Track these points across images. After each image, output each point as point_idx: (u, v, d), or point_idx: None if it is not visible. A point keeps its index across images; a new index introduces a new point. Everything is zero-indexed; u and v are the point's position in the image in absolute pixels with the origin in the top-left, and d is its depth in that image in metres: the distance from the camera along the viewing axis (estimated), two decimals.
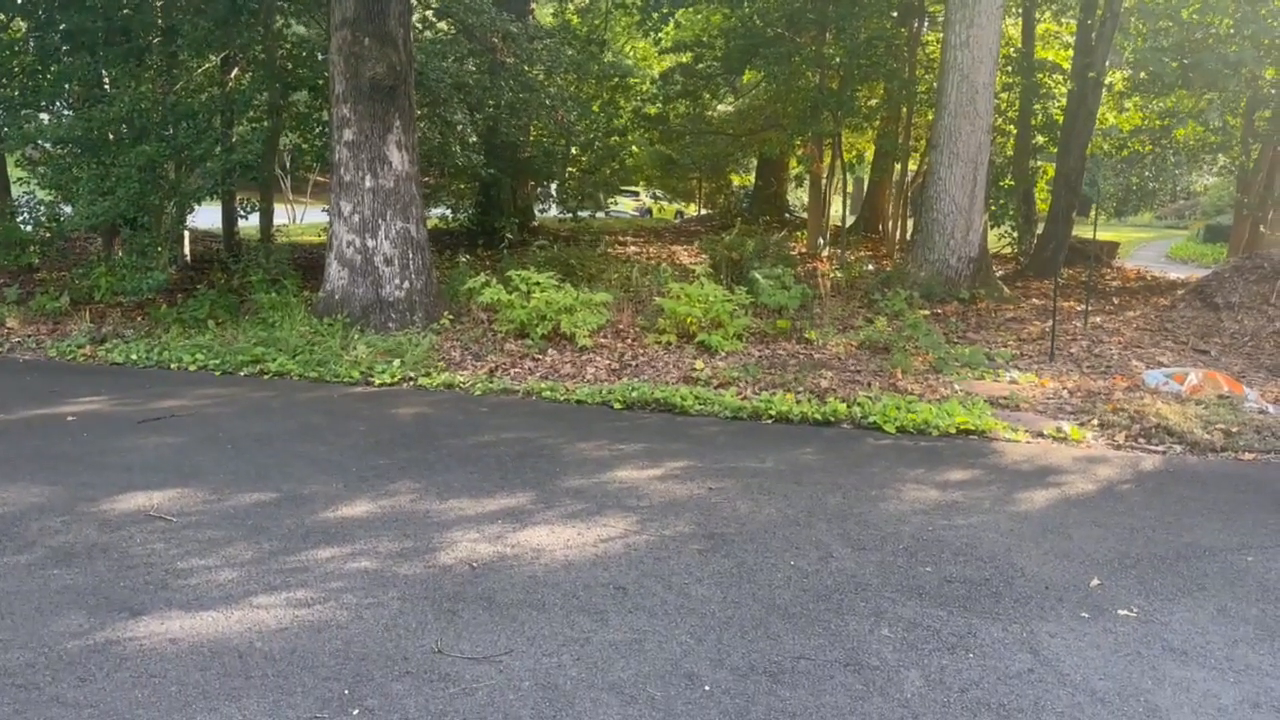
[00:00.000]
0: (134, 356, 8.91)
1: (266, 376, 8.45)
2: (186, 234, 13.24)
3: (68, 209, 11.07)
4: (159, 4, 11.53)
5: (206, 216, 16.13)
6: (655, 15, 16.30)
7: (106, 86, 11.43)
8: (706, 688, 3.35)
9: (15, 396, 7.47)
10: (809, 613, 3.94)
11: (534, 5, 19.15)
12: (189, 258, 13.55)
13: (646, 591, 4.10)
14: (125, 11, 11.01)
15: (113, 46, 11.24)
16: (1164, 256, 26.06)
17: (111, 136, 10.87)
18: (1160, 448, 6.65)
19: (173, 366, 8.73)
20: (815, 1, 16.43)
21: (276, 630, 3.69)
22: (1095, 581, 4.33)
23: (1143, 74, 14.76)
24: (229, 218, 14.26)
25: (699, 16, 20.36)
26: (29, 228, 11.46)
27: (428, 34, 15.73)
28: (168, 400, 7.44)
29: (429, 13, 15.39)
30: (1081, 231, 17.82)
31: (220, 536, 4.62)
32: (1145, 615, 4.00)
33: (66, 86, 11.34)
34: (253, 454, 6.03)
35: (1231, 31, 13.58)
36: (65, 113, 11.69)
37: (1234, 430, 6.79)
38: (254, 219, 14.12)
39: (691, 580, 4.23)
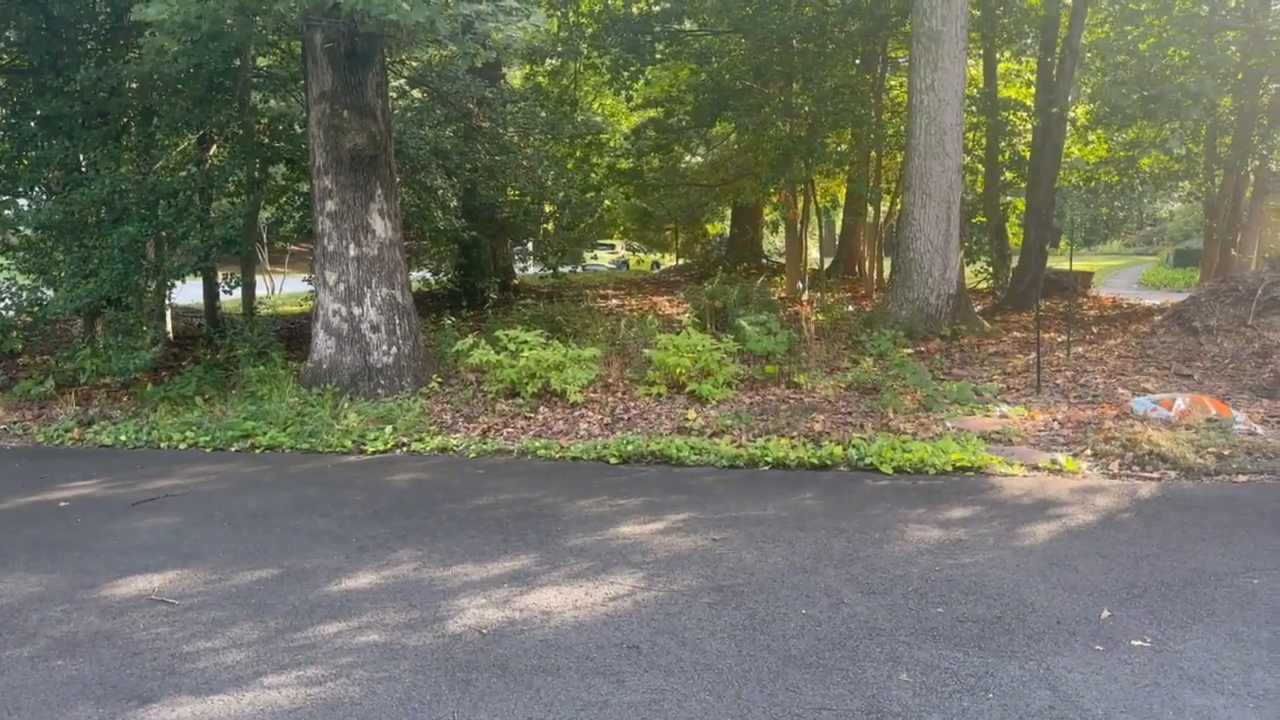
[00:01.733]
0: (123, 437, 8.84)
1: (258, 450, 8.39)
2: (169, 311, 13.22)
3: (49, 293, 11.03)
4: (135, 86, 11.63)
5: (187, 292, 16.12)
6: (625, 74, 16.57)
7: (84, 169, 11.48)
8: None
9: (5, 484, 7.38)
10: (825, 662, 3.92)
11: (505, 70, 19.43)
12: (171, 335, 13.52)
13: (660, 649, 4.08)
14: (102, 95, 11.09)
15: (90, 130, 11.31)
16: (1136, 283, 26.46)
17: (92, 219, 10.89)
18: (1155, 474, 6.70)
19: (163, 446, 8.67)
20: (781, 53, 16.78)
21: (289, 711, 3.63)
22: (1105, 613, 4.34)
23: (1105, 107, 15.10)
24: (210, 293, 14.26)
25: (667, 73, 20.71)
26: (11, 313, 11.39)
27: (402, 102, 15.93)
28: (160, 480, 7.37)
29: (403, 81, 15.59)
30: (1055, 263, 18.10)
31: (224, 617, 4.56)
32: (1159, 644, 4.01)
33: (44, 172, 11.37)
34: (250, 530, 5.98)
35: (1187, 63, 13.96)
36: (44, 198, 11.70)
37: (1226, 453, 6.86)
38: (236, 292, 14.12)
39: (704, 635, 4.21)
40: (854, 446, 7.41)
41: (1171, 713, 3.47)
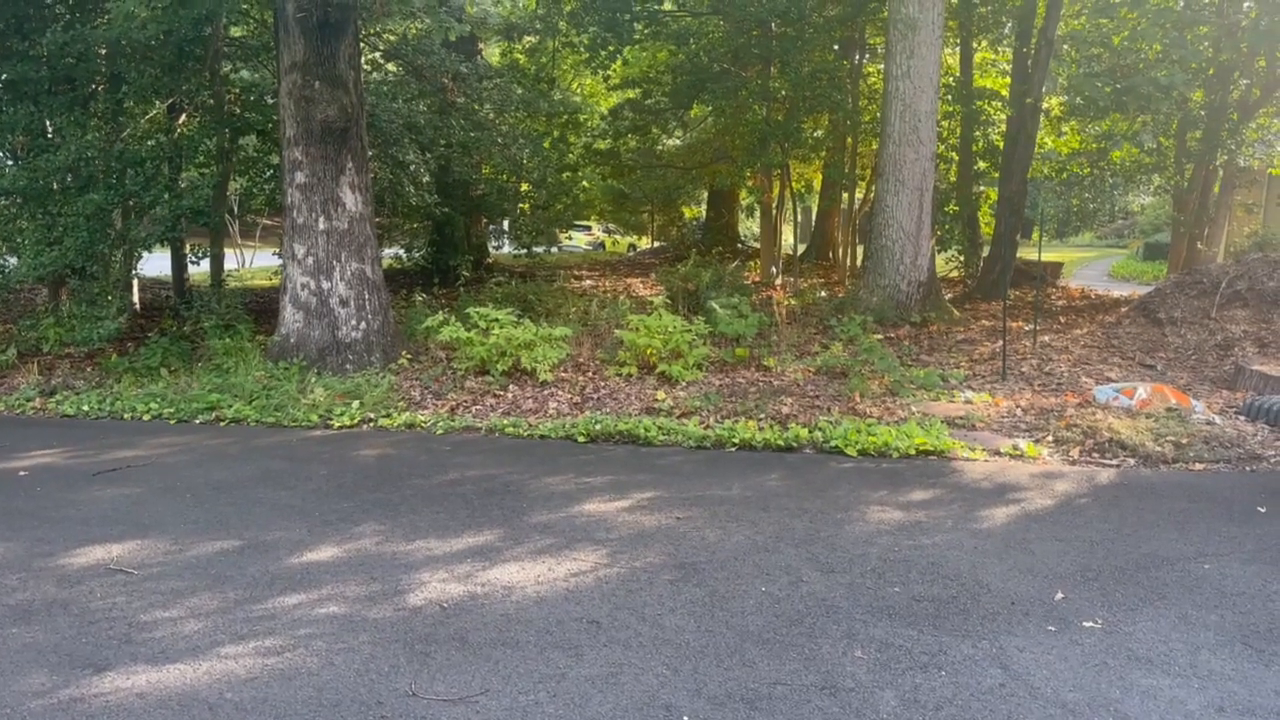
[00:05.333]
0: (86, 408, 8.74)
1: (223, 423, 8.33)
2: (135, 282, 13.05)
3: (13, 260, 10.85)
4: (103, 51, 11.41)
5: (155, 264, 15.89)
6: (603, 53, 16.49)
7: (50, 135, 11.27)
8: (685, 718, 3.35)
9: None
10: (782, 638, 3.96)
11: (482, 45, 19.27)
12: (138, 306, 13.35)
13: (620, 624, 4.10)
14: (69, 60, 10.89)
15: (56, 95, 11.10)
16: (1106, 275, 26.68)
17: (57, 186, 10.71)
18: (1114, 461, 6.80)
19: (126, 416, 8.57)
20: (759, 37, 16.75)
21: (246, 680, 3.63)
22: (1059, 595, 4.41)
23: (1078, 99, 15.21)
24: (179, 264, 14.08)
25: (646, 54, 20.62)
26: None
27: (375, 76, 15.76)
28: (123, 451, 7.30)
29: (377, 55, 15.42)
30: (1026, 253, 18.26)
31: (183, 587, 4.54)
32: (1110, 626, 4.09)
33: (9, 137, 11.16)
34: (212, 502, 5.94)
35: (1160, 57, 14.08)
36: (8, 163, 11.49)
37: (1184, 442, 6.97)
38: (204, 265, 13.96)
39: (664, 611, 4.24)
40: (820, 429, 7.46)
41: (1119, 691, 3.54)
